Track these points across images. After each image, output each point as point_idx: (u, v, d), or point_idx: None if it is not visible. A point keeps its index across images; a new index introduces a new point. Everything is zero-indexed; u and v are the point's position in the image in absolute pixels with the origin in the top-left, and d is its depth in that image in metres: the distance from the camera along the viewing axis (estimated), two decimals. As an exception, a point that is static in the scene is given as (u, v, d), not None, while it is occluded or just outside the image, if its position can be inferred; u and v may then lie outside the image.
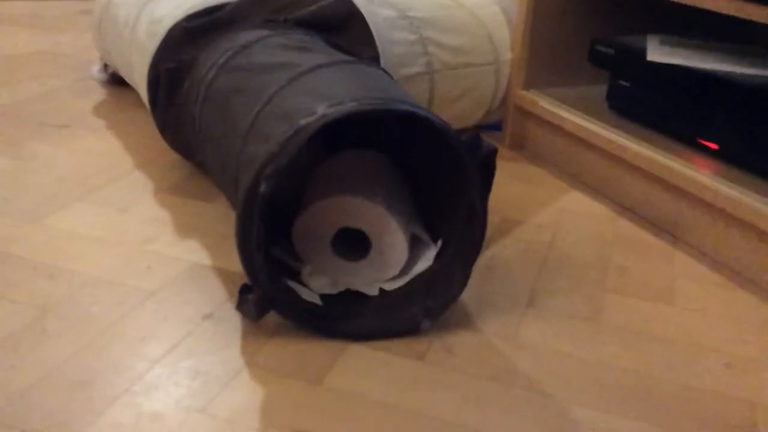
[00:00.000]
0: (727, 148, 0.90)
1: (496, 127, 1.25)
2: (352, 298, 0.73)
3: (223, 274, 0.79)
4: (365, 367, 0.66)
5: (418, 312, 0.71)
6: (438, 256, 0.74)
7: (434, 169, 0.79)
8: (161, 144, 1.12)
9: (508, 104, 1.18)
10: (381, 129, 0.86)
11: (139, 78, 1.07)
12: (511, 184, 1.06)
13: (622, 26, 1.18)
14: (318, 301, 0.71)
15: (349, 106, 0.64)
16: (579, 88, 1.19)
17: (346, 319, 0.70)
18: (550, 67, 1.17)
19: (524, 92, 1.15)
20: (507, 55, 1.16)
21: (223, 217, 0.91)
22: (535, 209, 0.99)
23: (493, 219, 0.95)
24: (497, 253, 0.87)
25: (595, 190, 1.05)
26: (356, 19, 1.00)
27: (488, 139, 1.23)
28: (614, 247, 0.90)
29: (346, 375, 0.65)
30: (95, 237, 0.85)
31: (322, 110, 0.64)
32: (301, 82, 0.71)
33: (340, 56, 0.79)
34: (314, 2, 0.99)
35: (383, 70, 0.80)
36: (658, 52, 0.97)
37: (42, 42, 1.66)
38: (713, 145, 0.92)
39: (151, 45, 1.00)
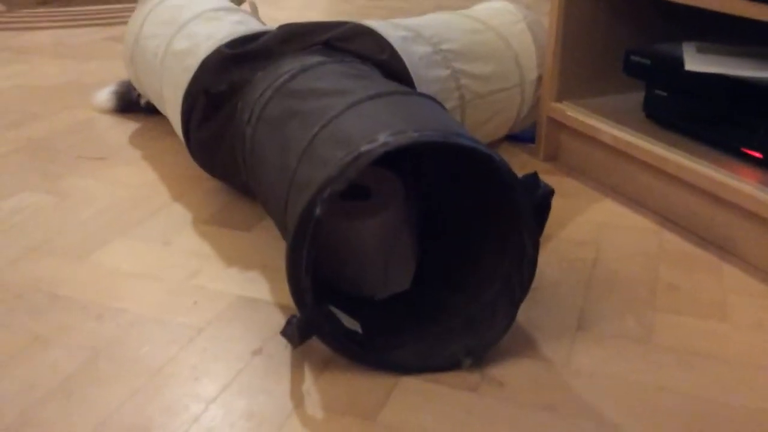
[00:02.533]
0: (773, 156, 0.89)
1: (529, 138, 1.24)
2: (393, 330, 0.72)
3: (268, 307, 0.79)
4: (418, 401, 0.65)
5: (459, 350, 0.70)
6: (481, 294, 0.73)
7: (476, 203, 0.77)
8: (196, 173, 1.13)
9: (541, 116, 1.17)
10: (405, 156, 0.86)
11: (169, 107, 1.08)
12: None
13: (653, 34, 1.16)
14: (359, 329, 0.70)
15: (411, 136, 0.64)
16: (611, 98, 1.18)
17: (387, 351, 0.69)
18: (582, 78, 1.15)
19: (557, 104, 1.14)
20: (532, 75, 1.15)
21: (262, 247, 0.91)
22: (576, 224, 0.98)
23: (534, 237, 0.94)
24: (541, 273, 0.86)
25: (636, 202, 1.04)
26: (394, 59, 0.99)
27: (521, 151, 1.22)
28: (660, 263, 0.89)
29: (399, 410, 0.64)
30: (140, 273, 0.85)
31: (384, 138, 0.64)
32: (359, 108, 0.71)
33: (397, 86, 0.79)
34: (351, 39, 0.99)
35: (438, 102, 0.80)
36: (696, 61, 0.96)
37: (70, 72, 1.68)
38: (758, 154, 0.90)
39: (185, 75, 1.00)
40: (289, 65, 0.90)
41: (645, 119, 1.07)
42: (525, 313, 0.78)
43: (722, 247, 0.92)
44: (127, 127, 1.32)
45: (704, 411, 0.64)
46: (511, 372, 0.69)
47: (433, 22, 1.13)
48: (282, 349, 0.72)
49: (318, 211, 0.63)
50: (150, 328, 0.75)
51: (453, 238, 0.81)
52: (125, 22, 2.21)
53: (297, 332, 0.66)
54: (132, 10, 2.38)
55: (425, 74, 1.02)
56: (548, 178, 1.12)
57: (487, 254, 0.75)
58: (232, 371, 0.69)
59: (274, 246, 0.92)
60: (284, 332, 0.67)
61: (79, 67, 1.72)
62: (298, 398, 0.65)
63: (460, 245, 0.80)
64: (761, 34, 1.17)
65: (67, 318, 0.77)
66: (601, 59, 1.16)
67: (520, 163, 1.17)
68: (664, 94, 1.01)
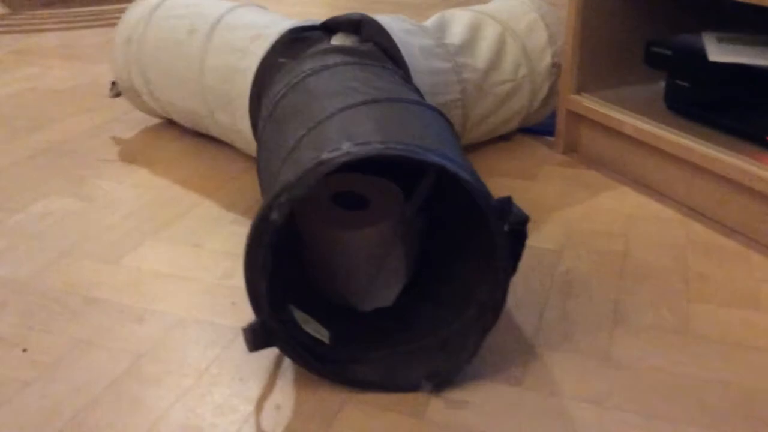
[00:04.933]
0: (799, 145, 0.89)
1: (548, 131, 1.24)
2: (361, 343, 0.71)
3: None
4: (460, 396, 0.66)
5: (422, 374, 0.67)
6: (456, 317, 0.71)
7: (466, 223, 0.76)
8: (219, 173, 1.13)
9: (560, 109, 1.17)
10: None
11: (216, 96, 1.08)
12: (573, 191, 1.06)
13: (671, 25, 1.17)
14: (326, 339, 0.68)
15: (375, 147, 0.63)
16: (629, 89, 1.18)
17: (347, 365, 0.68)
18: (600, 70, 1.16)
19: (577, 96, 1.14)
20: (544, 62, 1.15)
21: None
22: (602, 216, 0.98)
23: (560, 229, 0.95)
24: (573, 267, 0.87)
25: (660, 193, 1.04)
26: (392, 48, 0.99)
27: (541, 144, 1.22)
28: (689, 253, 0.89)
29: (444, 406, 0.65)
30: (175, 275, 0.86)
31: (348, 147, 0.63)
32: (348, 113, 0.71)
33: (403, 94, 0.77)
34: (354, 27, 0.99)
35: (442, 114, 0.78)
36: (718, 52, 0.96)
37: (82, 75, 1.68)
38: (784, 143, 0.91)
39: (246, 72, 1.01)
40: (310, 64, 0.90)
41: (665, 110, 1.08)
42: (561, 306, 0.79)
43: (749, 236, 0.92)
44: (146, 128, 1.33)
45: (747, 400, 0.65)
46: (553, 366, 0.70)
47: (438, 19, 1.13)
48: (323, 347, 0.72)
49: (274, 215, 0.62)
50: (191, 329, 0.76)
51: (439, 256, 0.79)
52: (132, 22, 2.20)
53: (251, 337, 0.65)
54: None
55: (424, 65, 1.03)
56: (568, 171, 1.13)
57: (467, 276, 0.73)
58: (275, 372, 0.69)
59: (304, 245, 0.92)
60: (244, 335, 0.66)
61: (90, 69, 1.72)
62: (344, 396, 0.66)
63: (444, 263, 0.78)
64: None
65: (107, 321, 0.77)
66: (618, 51, 1.16)
67: (540, 156, 1.18)
68: (686, 84, 1.02)
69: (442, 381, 0.67)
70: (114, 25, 2.20)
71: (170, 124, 1.34)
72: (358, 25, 0.99)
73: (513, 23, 1.16)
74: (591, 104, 1.12)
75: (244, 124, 1.03)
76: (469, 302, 0.70)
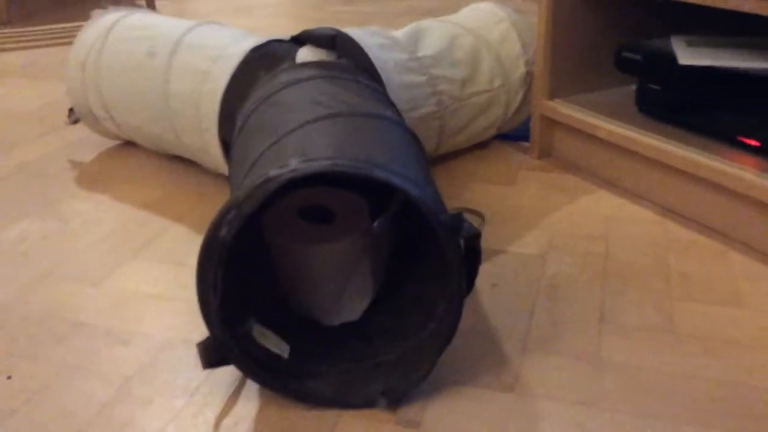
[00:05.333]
0: (770, 143, 0.91)
1: (523, 137, 1.26)
2: (315, 357, 0.70)
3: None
4: (455, 404, 0.66)
5: (377, 390, 0.67)
6: (413, 334, 0.70)
7: (426, 239, 0.76)
8: (193, 192, 1.12)
9: (534, 115, 1.19)
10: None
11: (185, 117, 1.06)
12: (551, 196, 1.07)
13: (640, 29, 1.19)
14: (285, 353, 0.67)
15: (320, 164, 0.63)
16: (601, 93, 1.20)
17: (302, 379, 0.68)
18: (572, 75, 1.18)
19: (550, 102, 1.16)
20: (518, 72, 1.17)
21: (278, 261, 0.91)
22: (582, 220, 1.00)
23: (542, 233, 0.96)
24: (557, 271, 0.87)
25: (636, 194, 1.06)
26: (368, 65, 1.00)
27: (515, 150, 1.23)
28: (669, 252, 0.91)
29: (438, 414, 0.65)
30: (159, 295, 0.85)
31: (295, 164, 0.63)
32: (310, 128, 0.71)
33: (370, 108, 0.77)
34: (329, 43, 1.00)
35: (408, 130, 0.78)
36: (688, 55, 0.98)
37: (49, 93, 1.65)
38: (755, 142, 0.93)
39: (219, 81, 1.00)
40: (283, 77, 0.89)
41: (637, 113, 1.10)
42: (549, 309, 0.80)
43: (726, 234, 0.94)
44: (114, 147, 1.31)
45: (736, 396, 0.66)
46: (544, 369, 0.70)
47: (412, 30, 1.14)
48: (315, 361, 0.72)
49: (223, 232, 0.62)
50: (179, 350, 0.75)
51: (401, 271, 0.79)
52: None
53: (204, 354, 0.65)
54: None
55: (398, 79, 1.03)
56: (545, 175, 1.14)
57: (426, 292, 0.73)
58: (267, 391, 0.69)
59: (288, 259, 0.92)
60: (198, 352, 0.66)
61: (57, 88, 1.69)
62: (336, 414, 0.66)
63: (406, 279, 0.78)
64: (744, 24, 1.21)
65: (92, 345, 0.76)
66: (588, 56, 1.18)
67: (516, 162, 1.19)
68: (657, 87, 1.04)
69: (397, 398, 0.66)
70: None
71: (135, 144, 1.33)
72: (331, 40, 0.99)
73: (486, 33, 1.17)
74: (564, 109, 1.13)
75: (214, 145, 1.02)
76: (428, 319, 0.70)
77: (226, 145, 1.00)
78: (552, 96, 1.17)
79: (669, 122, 1.04)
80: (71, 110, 1.25)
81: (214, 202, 1.08)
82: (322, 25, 2.36)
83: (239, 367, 0.66)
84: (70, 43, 2.16)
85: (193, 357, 0.73)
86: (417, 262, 0.77)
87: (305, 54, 0.98)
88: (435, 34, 1.14)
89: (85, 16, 2.50)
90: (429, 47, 1.11)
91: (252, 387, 0.69)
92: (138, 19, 1.16)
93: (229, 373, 0.71)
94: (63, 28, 2.38)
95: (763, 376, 0.68)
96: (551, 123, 1.18)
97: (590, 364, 0.71)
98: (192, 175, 1.18)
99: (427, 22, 1.18)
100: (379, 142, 0.70)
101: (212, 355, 0.65)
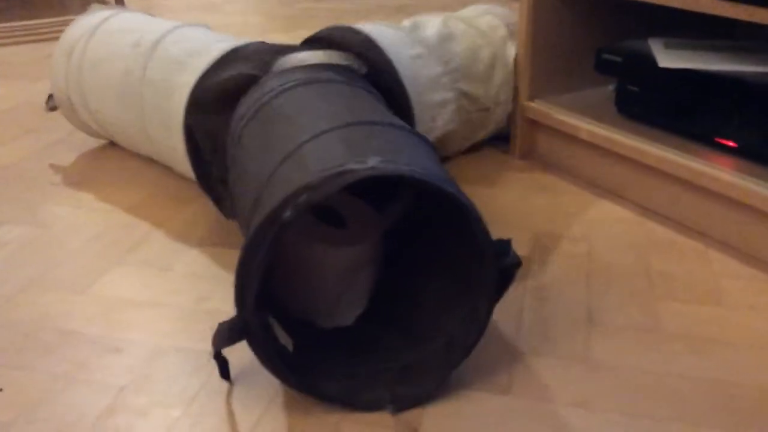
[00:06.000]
0: (746, 145, 0.94)
1: (496, 136, 1.27)
2: (326, 359, 0.71)
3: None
4: (453, 407, 0.67)
5: (385, 396, 0.67)
6: (422, 345, 0.71)
7: (441, 252, 0.76)
8: (175, 195, 1.11)
9: (515, 116, 1.20)
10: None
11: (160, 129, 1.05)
12: (533, 197, 1.08)
13: (617, 31, 1.21)
14: (290, 347, 0.68)
15: (398, 168, 0.63)
16: (580, 94, 1.22)
17: (314, 375, 0.68)
18: (552, 76, 1.19)
19: (531, 103, 1.17)
20: (504, 96, 1.18)
21: (266, 265, 0.91)
22: (564, 220, 1.01)
23: (525, 234, 0.97)
24: (542, 272, 0.89)
25: (617, 195, 1.08)
26: (398, 86, 0.99)
27: (496, 150, 1.25)
28: (650, 252, 0.93)
29: (436, 419, 0.66)
30: (147, 301, 0.84)
31: (374, 162, 0.63)
32: (359, 130, 0.71)
33: (394, 118, 0.78)
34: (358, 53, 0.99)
35: (429, 142, 0.78)
36: (667, 58, 1.00)
37: (21, 93, 1.62)
38: (731, 143, 0.95)
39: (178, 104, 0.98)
40: (300, 74, 0.89)
41: (616, 114, 1.12)
42: (537, 310, 0.81)
43: (705, 234, 0.97)
44: (91, 149, 1.29)
45: (721, 393, 0.68)
46: (537, 370, 0.71)
47: (442, 34, 1.11)
48: (310, 367, 0.73)
49: (287, 213, 0.60)
50: (171, 357, 0.75)
51: (411, 280, 0.79)
52: (65, 37, 2.14)
53: (228, 332, 0.63)
54: (64, 23, 2.31)
55: (429, 98, 1.04)
56: (526, 176, 1.15)
57: (439, 306, 0.73)
58: (266, 396, 0.69)
59: (276, 263, 0.92)
60: (218, 330, 0.64)
61: (29, 87, 1.66)
62: (336, 416, 0.66)
63: (415, 289, 0.78)
64: (719, 27, 1.23)
65: (83, 354, 0.75)
66: (569, 57, 1.19)
67: (497, 162, 1.20)
68: (636, 89, 1.06)
69: (403, 406, 0.67)
70: (48, 40, 2.13)
71: (113, 145, 1.31)
72: (359, 50, 0.98)
73: (500, 45, 1.17)
74: (545, 110, 1.15)
75: (178, 140, 1.00)
76: (437, 332, 0.70)
77: (194, 145, 0.97)
78: (533, 97, 1.18)
79: (648, 123, 1.07)
80: (50, 96, 1.26)
81: (195, 205, 1.07)
82: (293, 22, 2.35)
83: (259, 352, 0.64)
84: (41, 41, 2.12)
85: (188, 365, 0.73)
86: (423, 273, 0.77)
87: (313, 57, 0.95)
88: (462, 43, 1.12)
89: (55, 13, 2.46)
90: (457, 56, 1.10)
91: (250, 395, 0.69)
92: (131, 15, 1.17)
93: (225, 382, 0.71)
94: (34, 24, 2.34)
95: (746, 373, 0.71)
96: (533, 124, 1.20)
97: (580, 365, 0.73)
98: (172, 177, 1.17)
99: (454, 25, 1.15)
100: (423, 154, 0.69)
101: (235, 335, 0.63)
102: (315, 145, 0.67)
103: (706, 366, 0.72)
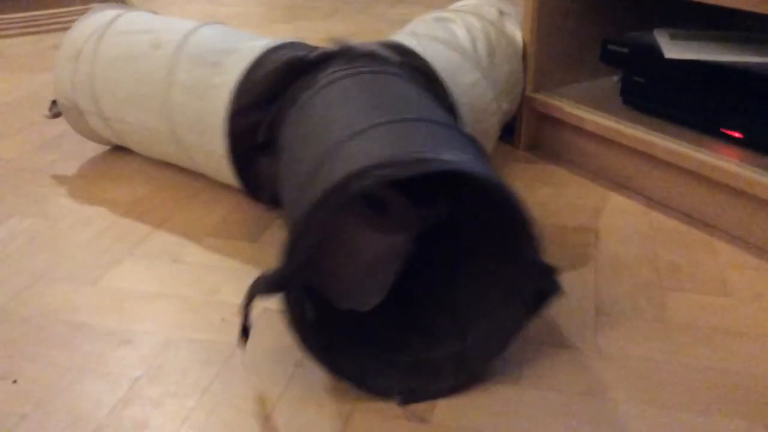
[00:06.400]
0: (752, 135, 0.94)
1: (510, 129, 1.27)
2: (343, 336, 0.71)
3: (297, 318, 0.79)
4: (464, 398, 0.68)
5: (396, 386, 0.68)
6: (436, 346, 0.71)
7: (484, 256, 0.76)
8: (181, 188, 1.12)
9: (520, 107, 1.20)
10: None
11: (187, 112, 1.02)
12: (539, 188, 1.09)
13: (624, 22, 1.21)
14: (312, 315, 0.66)
15: (486, 172, 0.62)
16: (585, 85, 1.22)
17: (329, 351, 0.67)
18: (557, 68, 1.19)
19: (536, 95, 1.18)
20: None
21: (273, 257, 0.92)
22: (570, 211, 1.02)
23: (533, 226, 0.98)
24: (550, 262, 0.89)
25: (622, 186, 1.09)
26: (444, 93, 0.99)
27: (503, 142, 1.25)
28: (656, 243, 0.93)
29: (448, 409, 0.66)
30: (157, 293, 0.85)
31: (449, 156, 0.62)
32: (438, 127, 0.69)
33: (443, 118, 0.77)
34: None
35: (471, 136, 0.78)
36: (674, 49, 1.00)
37: (23, 85, 1.62)
38: (737, 134, 0.96)
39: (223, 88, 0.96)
40: (371, 61, 0.89)
41: (621, 105, 1.12)
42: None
43: (710, 224, 0.97)
44: (97, 143, 1.29)
45: (730, 383, 0.69)
46: (548, 361, 0.72)
47: (487, 48, 1.09)
48: (321, 358, 0.73)
49: (366, 182, 0.59)
50: (183, 348, 0.75)
51: (439, 281, 0.79)
52: (65, 28, 2.14)
53: (268, 283, 0.62)
54: (65, 15, 2.31)
55: (480, 128, 1.03)
56: (533, 168, 1.16)
57: (457, 309, 0.73)
58: (279, 385, 0.70)
59: (285, 255, 0.92)
60: (258, 279, 0.63)
61: (31, 79, 1.66)
62: (349, 406, 0.67)
63: (442, 290, 0.78)
64: (725, 18, 1.24)
65: (95, 346, 0.76)
66: (574, 49, 1.20)
67: (502, 154, 1.21)
68: (642, 80, 1.06)
69: (410, 399, 0.67)
70: (48, 31, 2.13)
71: (126, 135, 1.31)
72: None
73: (520, 48, 1.17)
74: (550, 102, 1.15)
75: (216, 143, 0.98)
76: (456, 339, 0.71)
77: (237, 143, 0.96)
78: (538, 88, 1.19)
79: (653, 114, 1.07)
80: (54, 102, 1.22)
81: (204, 198, 1.08)
82: (294, 12, 2.35)
83: (291, 310, 0.63)
84: (40, 32, 2.11)
85: (200, 356, 0.74)
86: (449, 275, 0.77)
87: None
88: (502, 56, 1.11)
89: (56, 4, 2.45)
90: (503, 78, 1.10)
91: (264, 385, 0.70)
92: (139, 15, 1.14)
93: (238, 370, 0.72)
94: (32, 16, 2.33)
95: (753, 362, 0.71)
96: (538, 115, 1.20)
97: (589, 354, 0.73)
98: (179, 169, 1.17)
99: (491, 32, 1.13)
100: (476, 151, 0.69)
101: (276, 284, 0.62)
102: (396, 127, 0.67)
103: (713, 356, 0.73)
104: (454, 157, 0.62)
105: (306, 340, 0.65)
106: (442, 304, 0.76)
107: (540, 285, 0.67)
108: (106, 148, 1.26)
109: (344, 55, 0.93)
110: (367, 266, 0.75)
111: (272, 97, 0.92)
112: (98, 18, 1.15)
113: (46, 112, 1.23)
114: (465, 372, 0.68)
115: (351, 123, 0.71)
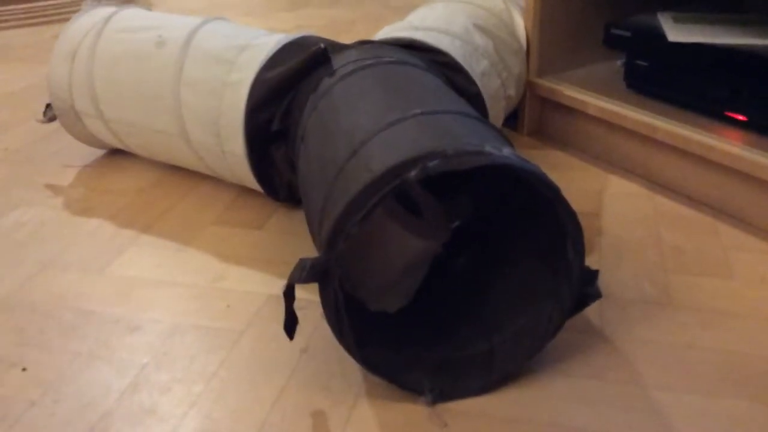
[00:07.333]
0: (756, 118, 0.94)
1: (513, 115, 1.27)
2: (379, 334, 0.70)
3: (301, 304, 0.80)
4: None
5: (426, 384, 0.67)
6: (463, 346, 0.70)
7: (520, 257, 0.75)
8: (185, 178, 1.12)
9: (524, 92, 1.20)
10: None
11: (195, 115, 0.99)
12: (543, 173, 1.09)
13: (627, 5, 1.21)
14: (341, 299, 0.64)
15: (536, 168, 0.61)
16: (588, 69, 1.22)
17: (360, 342, 0.65)
18: (560, 52, 1.19)
19: (539, 79, 1.17)
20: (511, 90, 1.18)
21: (278, 244, 0.92)
22: (573, 196, 1.02)
23: (537, 211, 0.98)
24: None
25: (626, 170, 1.09)
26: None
27: (505, 127, 1.25)
28: (660, 226, 0.94)
29: (460, 400, 0.67)
30: (163, 281, 0.85)
31: (509, 153, 0.61)
32: (465, 117, 0.69)
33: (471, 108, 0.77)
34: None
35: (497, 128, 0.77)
36: (677, 32, 1.00)
37: (29, 75, 1.62)
38: (742, 117, 0.96)
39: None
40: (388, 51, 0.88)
41: (625, 89, 1.12)
42: (549, 287, 0.82)
43: (714, 207, 0.97)
44: (106, 130, 1.30)
45: (734, 365, 0.69)
46: (550, 346, 0.73)
47: (495, 44, 1.09)
48: (328, 345, 0.74)
49: (413, 173, 0.57)
50: (191, 335, 0.76)
51: (470, 280, 0.79)
52: (66, 19, 2.14)
53: (309, 269, 0.60)
54: (67, 6, 2.31)
55: (491, 115, 1.04)
56: (535, 152, 1.16)
57: (494, 312, 0.72)
58: (285, 371, 0.70)
59: (290, 243, 0.93)
60: (299, 265, 0.62)
61: (36, 70, 1.66)
62: (355, 392, 0.68)
63: (468, 291, 0.77)
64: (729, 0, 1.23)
65: (102, 333, 0.77)
66: (575, 33, 1.19)
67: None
68: (645, 64, 1.06)
69: (439, 398, 0.67)
70: (51, 23, 2.13)
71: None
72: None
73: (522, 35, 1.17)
74: (553, 86, 1.15)
75: (234, 143, 0.94)
76: (483, 341, 0.70)
77: (255, 140, 0.94)
78: (541, 73, 1.18)
79: (657, 98, 1.07)
80: (48, 106, 1.16)
81: (207, 187, 1.08)
82: (296, 1, 2.34)
83: (329, 297, 0.62)
84: (41, 24, 2.12)
85: (207, 342, 0.74)
86: (504, 280, 0.76)
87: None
88: (506, 42, 1.12)
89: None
90: (506, 60, 1.10)
91: (271, 371, 0.70)
92: (136, 12, 1.10)
93: (244, 356, 0.72)
94: (32, 7, 2.33)
95: (757, 344, 0.72)
96: (540, 100, 1.20)
97: (593, 337, 0.74)
98: (184, 158, 1.17)
99: (494, 18, 1.13)
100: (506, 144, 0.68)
101: (314, 274, 0.61)
102: (433, 119, 0.65)
103: (717, 338, 0.73)
104: (506, 152, 0.61)
105: (343, 334, 0.64)
106: (470, 303, 0.75)
107: (582, 290, 0.66)
108: (111, 137, 1.27)
109: (363, 47, 0.93)
110: (401, 269, 0.75)
111: (288, 88, 0.92)
112: (92, 16, 1.11)
113: (40, 117, 1.17)
114: (495, 372, 0.68)
115: (382, 111, 0.69)
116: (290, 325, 0.64)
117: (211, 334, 0.76)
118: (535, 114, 1.21)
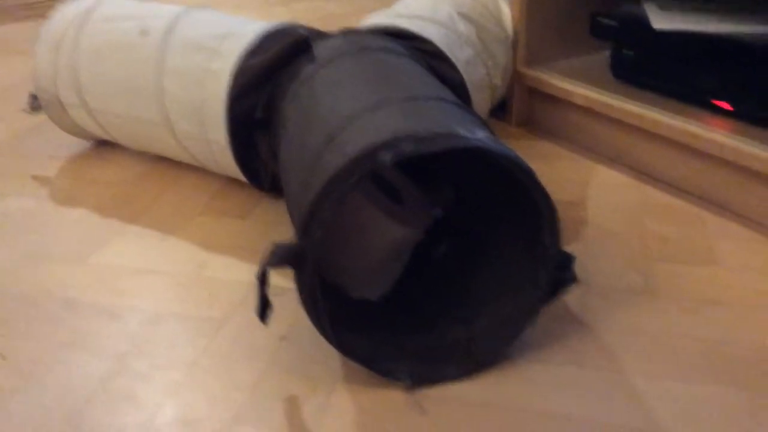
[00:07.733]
0: (742, 107, 0.94)
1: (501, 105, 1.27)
2: (357, 320, 0.70)
3: (283, 293, 0.80)
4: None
5: (404, 369, 0.67)
6: (443, 333, 0.70)
7: (497, 244, 0.75)
8: (171, 169, 1.12)
9: (512, 83, 1.20)
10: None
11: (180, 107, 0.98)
12: (530, 163, 1.08)
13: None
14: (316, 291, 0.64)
15: (510, 152, 0.61)
16: (576, 60, 1.22)
17: (340, 329, 0.65)
18: (548, 43, 1.19)
19: (527, 69, 1.17)
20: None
21: (262, 234, 0.92)
22: (560, 186, 1.02)
23: (523, 201, 0.98)
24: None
25: (612, 160, 1.08)
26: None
27: (493, 118, 1.25)
28: (646, 215, 0.93)
29: (438, 385, 0.67)
30: (146, 270, 0.85)
31: (482, 136, 0.61)
32: (452, 106, 0.69)
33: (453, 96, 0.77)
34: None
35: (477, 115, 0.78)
36: (662, 20, 1.00)
37: (18, 70, 1.62)
38: (728, 106, 0.95)
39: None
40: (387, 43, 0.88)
41: (612, 79, 1.11)
42: (532, 275, 0.82)
43: (700, 196, 0.97)
44: (94, 122, 1.30)
45: (717, 353, 0.69)
46: (532, 330, 0.72)
47: (477, 32, 1.09)
48: (308, 332, 0.73)
49: (386, 156, 0.57)
50: (172, 323, 0.76)
51: (447, 268, 0.79)
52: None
53: (283, 253, 0.60)
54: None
55: (471, 78, 1.04)
56: (523, 143, 1.16)
57: (472, 299, 0.72)
58: (264, 358, 0.70)
59: (274, 231, 0.93)
60: (272, 249, 0.61)
61: (26, 63, 1.66)
62: (333, 379, 0.67)
63: (447, 278, 0.77)
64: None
65: (84, 322, 0.76)
66: (563, 23, 1.19)
67: (493, 129, 1.20)
68: (632, 53, 1.06)
69: (418, 383, 0.66)
70: (39, 15, 2.12)
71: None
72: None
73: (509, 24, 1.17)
74: (541, 76, 1.15)
75: (217, 132, 0.94)
76: (462, 328, 0.70)
77: (238, 128, 0.93)
78: (528, 63, 1.18)
79: (643, 87, 1.06)
80: (34, 97, 1.14)
81: (193, 178, 1.08)
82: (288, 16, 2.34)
83: (305, 282, 0.61)
84: (30, 17, 2.11)
85: (188, 330, 0.74)
86: (481, 268, 0.75)
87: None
88: (492, 31, 1.11)
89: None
90: (492, 49, 1.09)
91: (250, 358, 0.70)
92: (121, 1, 1.09)
93: (225, 344, 0.72)
94: (28, 2, 2.32)
95: (741, 332, 0.72)
96: (528, 90, 1.20)
97: (576, 325, 0.73)
98: (171, 149, 1.17)
99: (480, 7, 1.13)
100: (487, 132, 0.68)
101: (288, 258, 0.60)
102: (412, 104, 0.65)
103: (701, 326, 0.73)
104: (480, 136, 0.60)
105: (319, 319, 0.63)
106: (450, 290, 0.75)
107: (557, 274, 0.66)
108: (99, 129, 1.27)
109: (346, 35, 0.92)
110: (381, 257, 0.75)
111: (270, 76, 0.92)
112: (76, 5, 1.10)
113: (25, 107, 1.16)
114: (474, 359, 0.68)
115: (361, 98, 0.69)
116: (263, 310, 0.63)
117: (192, 322, 0.76)
118: (523, 105, 1.21)
